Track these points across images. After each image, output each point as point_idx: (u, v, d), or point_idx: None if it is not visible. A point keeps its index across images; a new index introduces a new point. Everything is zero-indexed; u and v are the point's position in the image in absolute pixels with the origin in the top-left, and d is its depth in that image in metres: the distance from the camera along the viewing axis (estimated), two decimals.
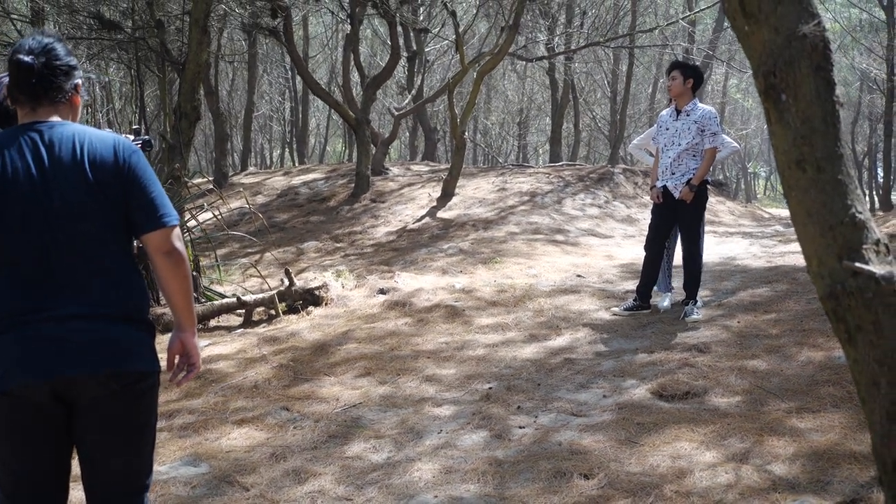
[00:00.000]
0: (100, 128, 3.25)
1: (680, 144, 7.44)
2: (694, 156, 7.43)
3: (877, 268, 2.21)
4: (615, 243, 12.47)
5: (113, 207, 2.77)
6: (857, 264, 2.21)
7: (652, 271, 7.72)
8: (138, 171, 2.81)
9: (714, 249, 11.65)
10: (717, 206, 17.41)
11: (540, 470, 4.47)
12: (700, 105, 7.51)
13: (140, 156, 2.85)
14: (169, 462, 4.83)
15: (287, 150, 34.19)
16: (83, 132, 2.80)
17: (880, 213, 19.61)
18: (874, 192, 29.78)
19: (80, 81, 2.91)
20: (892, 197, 26.19)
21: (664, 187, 7.53)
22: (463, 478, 4.46)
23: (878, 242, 2.24)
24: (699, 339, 6.70)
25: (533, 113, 36.47)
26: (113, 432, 2.83)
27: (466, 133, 17.01)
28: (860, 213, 2.26)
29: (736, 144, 8.51)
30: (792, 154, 2.32)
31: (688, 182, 7.38)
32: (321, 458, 4.84)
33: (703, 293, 8.13)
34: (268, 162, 37.86)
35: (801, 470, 4.27)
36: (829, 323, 2.30)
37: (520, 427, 5.15)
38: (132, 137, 4.08)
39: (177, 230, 2.86)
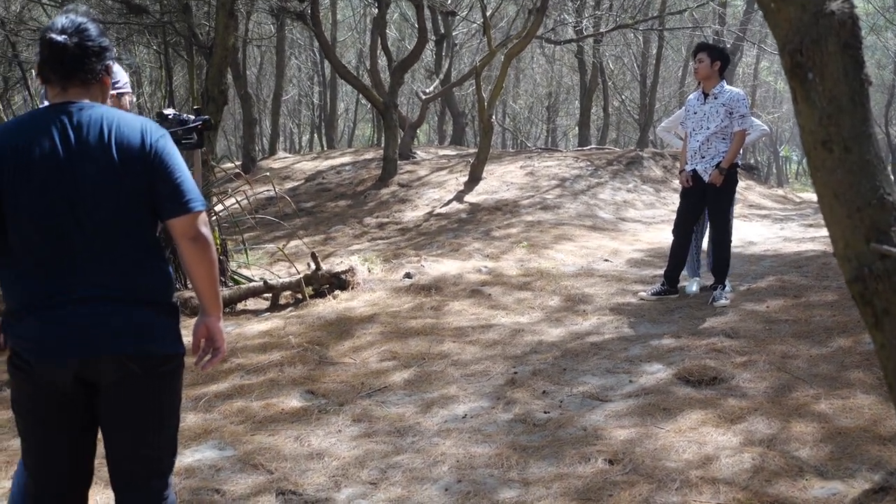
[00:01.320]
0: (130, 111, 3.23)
1: (708, 128, 7.36)
2: (723, 139, 7.35)
3: None
4: (644, 227, 12.38)
5: (138, 191, 2.76)
6: (886, 247, 2.16)
7: (680, 256, 7.66)
8: (165, 156, 2.79)
9: (744, 233, 11.54)
10: (747, 191, 17.25)
11: (564, 455, 4.44)
12: (728, 87, 7.42)
13: (167, 140, 2.84)
14: (194, 445, 4.84)
15: (316, 134, 34.20)
16: (112, 115, 2.78)
17: None
18: None
19: (111, 63, 2.89)
20: None
21: (693, 171, 7.45)
22: (487, 462, 4.44)
23: None
24: (727, 323, 6.63)
25: (562, 96, 36.25)
26: (135, 415, 2.84)
27: (494, 117, 16.94)
28: (889, 194, 2.20)
29: (765, 127, 8.42)
30: (818, 134, 2.27)
31: (717, 165, 7.30)
32: (345, 441, 4.84)
33: (731, 278, 8.06)
34: (297, 146, 37.91)
35: (828, 456, 4.21)
36: (857, 307, 2.25)
37: (545, 412, 5.12)
38: (193, 117, 4.07)
39: (203, 216, 2.84)
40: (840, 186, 2.24)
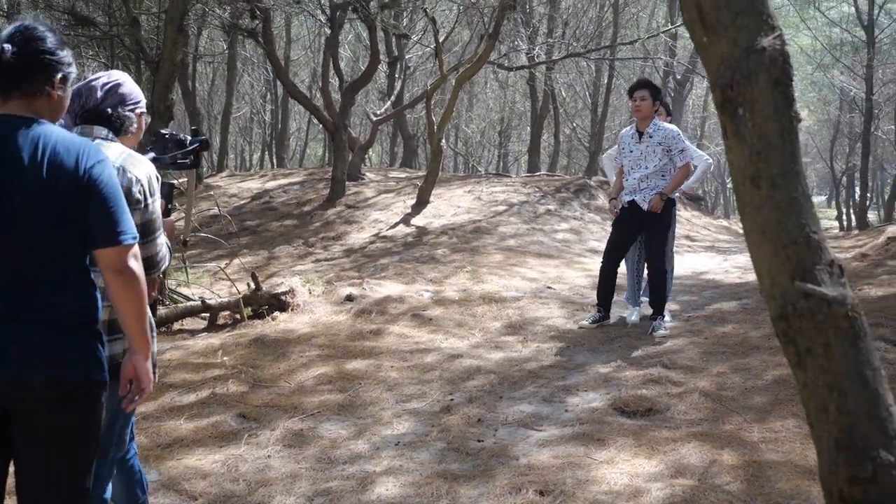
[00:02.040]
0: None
1: (647, 167, 7.37)
2: (663, 176, 7.38)
3: (829, 289, 2.13)
4: (588, 255, 12.41)
5: (68, 215, 2.65)
6: (810, 285, 2.14)
7: (609, 282, 7.63)
8: (99, 183, 2.67)
9: (687, 263, 11.63)
10: (693, 221, 17.43)
11: (496, 485, 4.39)
12: (661, 124, 7.43)
13: (105, 166, 2.71)
14: None
15: (267, 152, 34.01)
16: (50, 134, 2.66)
17: (856, 231, 19.69)
18: (851, 211, 29.91)
19: (63, 76, 2.73)
20: (869, 215, 26.33)
21: (631, 201, 7.45)
22: (417, 491, 4.37)
23: (831, 263, 2.17)
24: (664, 353, 6.64)
25: (514, 122, 36.45)
26: (47, 443, 2.70)
27: (446, 141, 16.94)
28: (815, 232, 2.19)
29: (709, 159, 8.46)
30: (747, 170, 2.25)
31: (659, 193, 7.32)
32: (274, 466, 4.75)
33: (672, 307, 8.10)
34: (248, 164, 37.64)
35: (758, 491, 4.21)
36: (781, 346, 2.23)
37: (478, 440, 5.06)
38: (190, 137, 4.00)
39: (134, 249, 2.72)
40: (767, 223, 2.22)
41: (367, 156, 31.94)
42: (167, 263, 3.37)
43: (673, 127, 7.49)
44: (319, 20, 18.96)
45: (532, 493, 4.27)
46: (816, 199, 59.76)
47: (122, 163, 3.15)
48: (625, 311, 7.98)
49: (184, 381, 6.27)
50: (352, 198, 15.85)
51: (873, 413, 2.12)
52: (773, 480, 4.30)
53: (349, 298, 8.54)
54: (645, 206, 7.34)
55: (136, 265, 2.73)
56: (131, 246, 2.71)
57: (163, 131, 3.97)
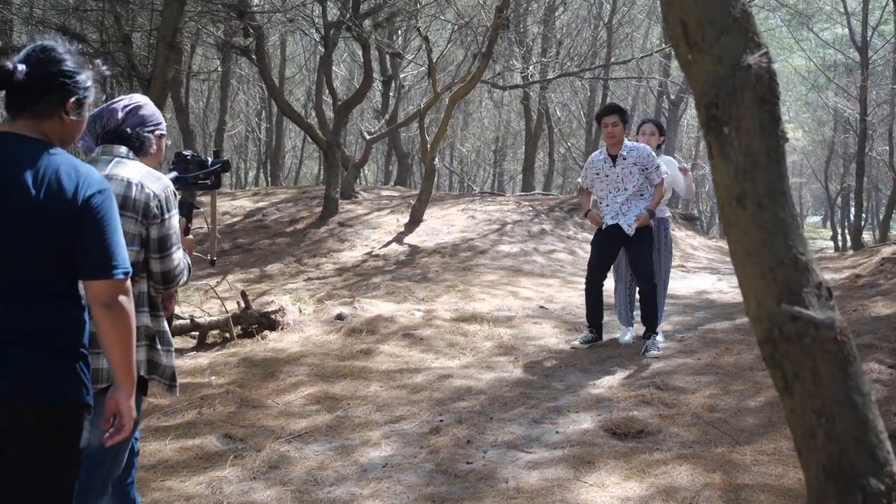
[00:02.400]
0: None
1: (626, 189, 7.36)
2: (642, 195, 7.38)
3: (817, 312, 2.08)
4: (582, 274, 12.33)
5: (60, 240, 2.59)
6: (797, 308, 2.09)
7: (595, 301, 7.59)
8: (96, 214, 2.61)
9: (681, 283, 11.58)
10: (686, 241, 17.39)
11: None
12: (632, 145, 7.42)
13: (106, 197, 2.65)
14: None
15: (262, 170, 33.98)
16: (53, 158, 2.61)
17: (851, 252, 19.67)
18: (846, 231, 29.93)
19: (78, 100, 2.66)
20: (864, 236, 26.34)
21: (615, 225, 7.41)
22: None
23: (819, 286, 2.12)
24: (657, 374, 6.59)
25: (509, 141, 36.51)
26: (25, 465, 2.63)
27: (440, 160, 16.93)
28: (802, 254, 2.14)
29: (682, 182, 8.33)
30: (733, 189, 2.20)
31: (647, 210, 7.32)
32: (259, 488, 4.67)
33: (665, 327, 8.05)
34: (243, 182, 37.61)
35: None
36: (768, 370, 2.18)
37: (467, 462, 5.00)
38: (211, 159, 4.07)
39: (125, 285, 2.66)
40: (753, 244, 2.17)
41: (362, 174, 31.95)
42: (185, 278, 3.41)
43: (642, 145, 7.47)
44: (314, 39, 18.95)
45: None
46: (811, 220, 59.91)
47: (141, 179, 3.21)
48: (618, 331, 7.92)
49: (170, 401, 6.19)
50: (345, 216, 15.81)
51: (863, 439, 2.06)
52: None
53: (340, 317, 8.48)
54: (629, 232, 7.30)
55: (125, 301, 2.67)
56: (122, 281, 2.66)
57: (185, 153, 4.03)
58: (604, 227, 7.46)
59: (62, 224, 2.59)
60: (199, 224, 14.54)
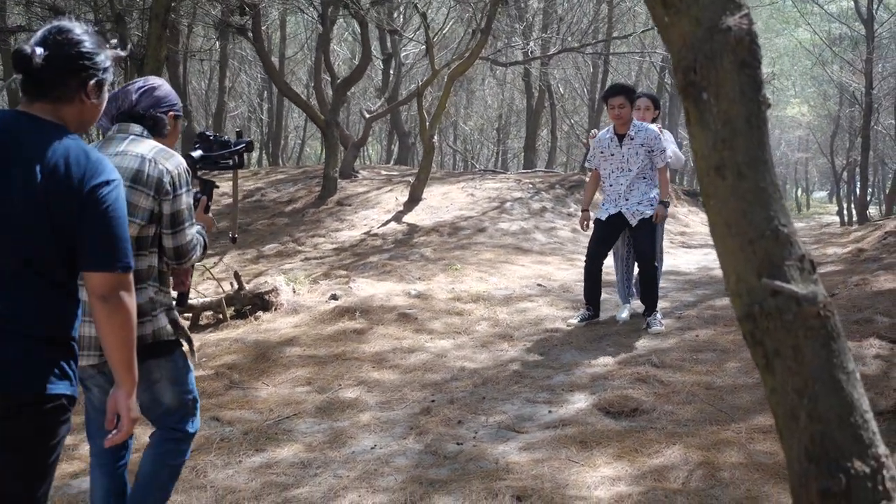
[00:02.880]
0: None
1: (630, 170, 7.27)
2: (644, 177, 7.27)
3: (799, 287, 1.97)
4: (582, 252, 12.23)
5: (61, 227, 2.49)
6: (778, 282, 1.98)
7: (594, 280, 7.49)
8: (101, 204, 2.51)
9: (682, 260, 11.48)
10: (688, 217, 17.26)
11: (472, 490, 4.23)
12: (641, 125, 7.31)
13: (113, 188, 2.55)
14: (84, 474, 4.56)
15: (264, 151, 33.86)
16: (65, 143, 2.51)
17: (856, 227, 19.52)
18: (852, 206, 29.74)
19: (98, 81, 2.59)
20: (870, 210, 26.16)
21: (619, 213, 7.31)
22: (391, 497, 4.21)
23: (802, 259, 2.01)
24: (654, 352, 6.49)
25: (512, 119, 36.33)
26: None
27: (442, 138, 16.79)
28: (784, 225, 2.03)
29: (683, 157, 8.25)
30: (712, 158, 2.09)
31: (660, 202, 7.29)
32: (244, 472, 4.59)
33: (663, 304, 7.94)
34: (247, 163, 37.47)
35: (745, 495, 4.05)
36: (748, 348, 2.07)
37: (457, 443, 4.91)
38: (235, 139, 4.16)
39: (125, 279, 2.56)
40: (733, 216, 2.06)
41: (365, 153, 31.79)
42: (198, 254, 3.48)
43: (652, 127, 7.36)
44: (309, 17, 18.79)
45: (509, 498, 4.12)
46: (818, 195, 59.72)
47: (154, 155, 3.29)
48: (616, 309, 7.82)
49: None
50: (344, 195, 15.70)
51: (847, 420, 1.96)
52: (760, 483, 4.15)
53: (334, 297, 8.39)
54: (633, 221, 7.21)
55: (125, 296, 2.57)
56: (122, 275, 2.56)
57: (206, 133, 4.13)
58: (604, 218, 7.36)
59: (64, 211, 2.49)
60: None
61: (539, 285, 9.30)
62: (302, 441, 5.03)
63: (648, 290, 7.34)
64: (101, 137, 3.45)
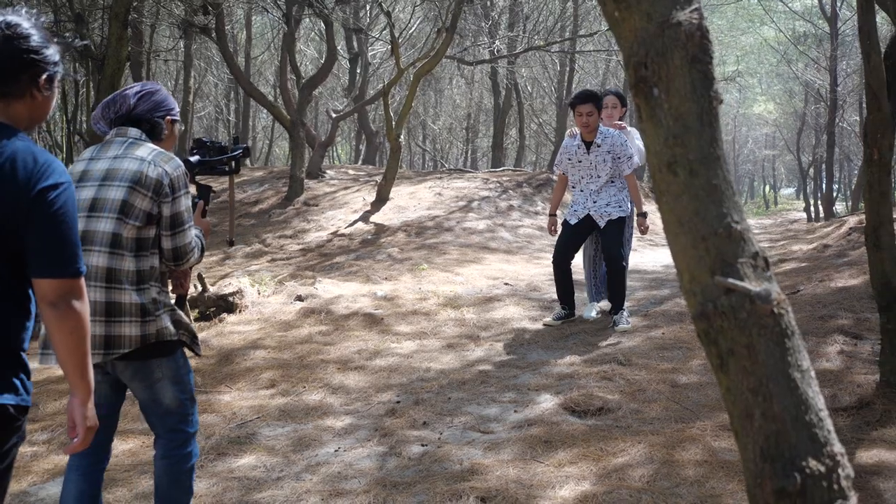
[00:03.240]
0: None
1: (599, 177, 7.30)
2: (613, 182, 7.30)
3: (752, 284, 1.95)
4: (549, 250, 12.23)
5: (5, 234, 2.40)
6: (731, 280, 1.95)
7: (565, 282, 7.50)
8: (48, 206, 2.41)
9: (648, 258, 11.50)
10: (655, 213, 17.29)
11: (436, 492, 4.19)
12: (607, 131, 7.30)
13: (63, 191, 2.45)
14: (39, 482, 4.49)
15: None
16: (11, 144, 2.42)
17: (821, 223, 19.66)
18: (819, 202, 29.97)
19: (48, 76, 2.52)
20: (837, 206, 26.36)
21: (587, 215, 7.32)
22: (354, 501, 4.16)
23: (755, 256, 1.99)
24: (620, 350, 6.48)
25: (481, 118, 36.32)
26: None
27: (409, 137, 16.72)
28: (737, 222, 2.00)
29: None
30: (664, 155, 2.07)
31: (639, 215, 7.41)
32: (204, 476, 4.53)
33: (630, 303, 7.95)
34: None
35: (710, 493, 4.04)
36: (703, 348, 2.05)
37: (422, 444, 4.87)
38: (232, 145, 4.21)
39: (76, 284, 2.48)
40: (685, 213, 2.04)
41: (334, 154, 31.65)
42: (197, 256, 3.52)
43: (617, 133, 7.35)
44: (273, 16, 18.68)
45: (473, 499, 4.08)
46: (785, 192, 60.19)
47: (153, 158, 3.33)
48: (582, 307, 7.81)
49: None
50: (311, 195, 15.62)
51: (802, 419, 1.94)
52: (724, 481, 4.14)
53: (300, 299, 8.32)
54: (602, 223, 7.26)
55: (76, 303, 2.49)
56: (73, 280, 2.47)
57: (203, 139, 4.14)
58: (573, 222, 7.36)
59: (11, 216, 2.40)
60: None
61: (506, 284, 9.28)
62: (265, 445, 4.97)
63: (616, 288, 7.34)
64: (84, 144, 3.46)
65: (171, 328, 3.38)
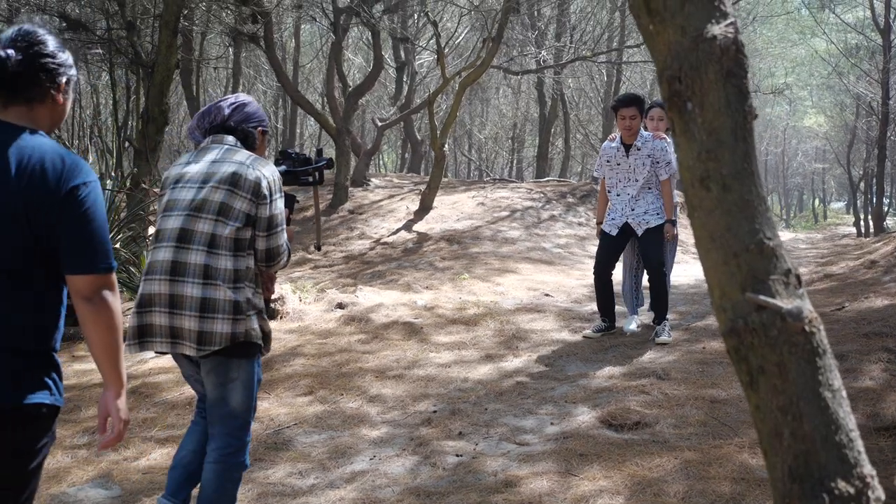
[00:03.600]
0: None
1: (637, 180, 7.25)
2: (650, 188, 7.25)
3: (784, 302, 1.93)
4: (591, 262, 12.18)
5: (38, 235, 2.48)
6: (763, 297, 1.93)
7: (606, 293, 7.47)
8: (80, 205, 2.50)
9: (689, 271, 11.40)
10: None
11: (469, 503, 4.18)
12: (647, 135, 7.27)
13: (92, 189, 2.55)
14: (79, 483, 4.55)
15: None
16: (39, 146, 2.51)
17: (870, 238, 19.37)
18: (869, 217, 29.54)
19: (66, 80, 2.65)
20: (887, 221, 25.96)
21: (625, 224, 7.28)
22: None
23: (787, 273, 1.96)
24: (660, 364, 6.42)
25: (527, 128, 36.29)
26: None
27: (455, 146, 16.75)
28: (769, 238, 1.98)
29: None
30: (697, 170, 2.05)
31: (666, 221, 7.29)
32: (242, 482, 4.54)
33: (670, 316, 7.88)
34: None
35: None
36: (732, 364, 2.03)
37: (457, 455, 4.86)
38: (316, 157, 4.42)
39: (109, 279, 2.56)
40: (717, 228, 2.02)
41: (380, 162, 31.79)
42: (286, 260, 3.65)
43: (660, 140, 7.31)
44: (322, 25, 18.82)
45: None
46: (835, 206, 59.35)
47: (252, 163, 3.50)
48: (622, 319, 7.76)
49: (161, 391, 6.09)
50: (355, 203, 15.69)
51: (832, 439, 1.91)
52: (761, 500, 4.09)
53: (340, 306, 8.36)
54: (639, 231, 7.20)
55: (108, 295, 2.57)
56: (105, 276, 2.57)
57: (288, 150, 4.37)
58: (613, 233, 7.32)
59: (43, 216, 2.47)
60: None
61: (546, 295, 9.25)
62: (301, 450, 5.00)
63: (658, 297, 7.29)
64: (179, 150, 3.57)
65: (258, 330, 3.49)
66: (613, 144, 7.37)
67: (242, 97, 3.78)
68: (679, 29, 2.05)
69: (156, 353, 3.61)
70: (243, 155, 3.54)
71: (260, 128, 3.74)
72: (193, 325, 3.33)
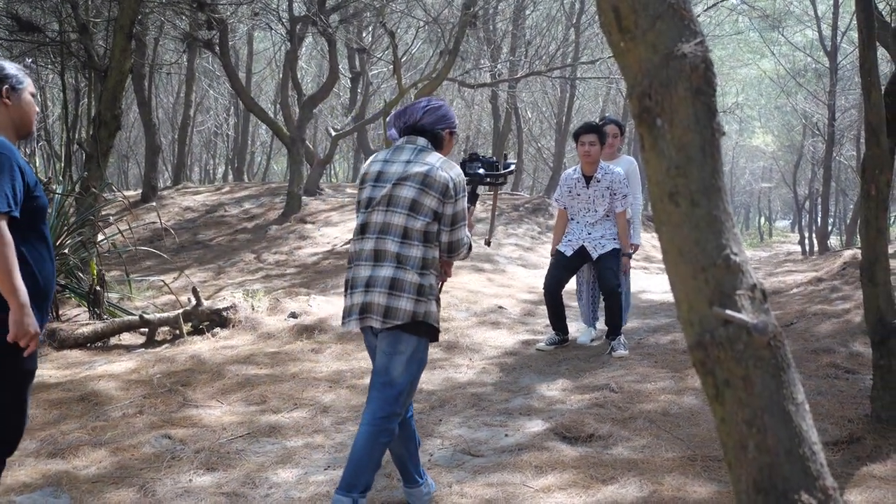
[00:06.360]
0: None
1: (597, 211, 7.31)
2: (609, 217, 7.33)
3: (750, 316, 1.96)
4: (542, 275, 12.24)
5: None
6: (729, 311, 1.96)
7: (557, 310, 7.49)
8: None
9: (643, 285, 11.50)
10: (652, 241, 17.33)
11: None
12: (608, 167, 7.32)
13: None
14: (28, 491, 4.46)
15: (229, 166, 33.62)
16: None
17: (815, 256, 19.69)
18: (814, 236, 30.04)
19: (11, 85, 3.34)
20: (831, 240, 26.41)
21: (581, 247, 7.33)
22: None
23: (753, 288, 2.00)
24: (612, 377, 6.47)
25: (480, 141, 36.38)
26: None
27: None
28: (735, 254, 2.01)
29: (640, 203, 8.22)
30: (665, 185, 2.08)
31: (622, 255, 7.39)
32: (194, 492, 4.51)
33: (624, 330, 7.94)
34: (212, 177, 37.22)
35: None
36: (699, 377, 2.05)
37: None
38: (503, 162, 4.73)
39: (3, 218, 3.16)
40: (685, 243, 2.05)
41: (332, 172, 31.68)
42: (465, 252, 4.13)
43: (618, 169, 7.37)
44: (279, 33, 18.75)
45: None
46: (780, 224, 60.28)
47: (441, 164, 3.94)
48: (576, 331, 7.81)
49: (111, 399, 6.01)
50: (308, 213, 15.63)
51: (795, 452, 1.94)
52: None
53: (293, 315, 8.31)
54: (594, 255, 7.26)
55: (4, 228, 3.15)
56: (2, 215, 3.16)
57: (477, 153, 4.70)
58: (567, 253, 7.36)
59: None
60: (153, 219, 14.29)
61: (499, 307, 9.28)
62: (254, 460, 4.96)
63: (613, 313, 7.34)
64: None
65: (436, 314, 3.95)
66: (575, 175, 7.42)
67: (435, 101, 4.16)
68: (650, 46, 2.08)
69: (354, 330, 4.19)
70: (434, 157, 3.96)
71: (448, 129, 4.13)
72: (382, 300, 3.80)
